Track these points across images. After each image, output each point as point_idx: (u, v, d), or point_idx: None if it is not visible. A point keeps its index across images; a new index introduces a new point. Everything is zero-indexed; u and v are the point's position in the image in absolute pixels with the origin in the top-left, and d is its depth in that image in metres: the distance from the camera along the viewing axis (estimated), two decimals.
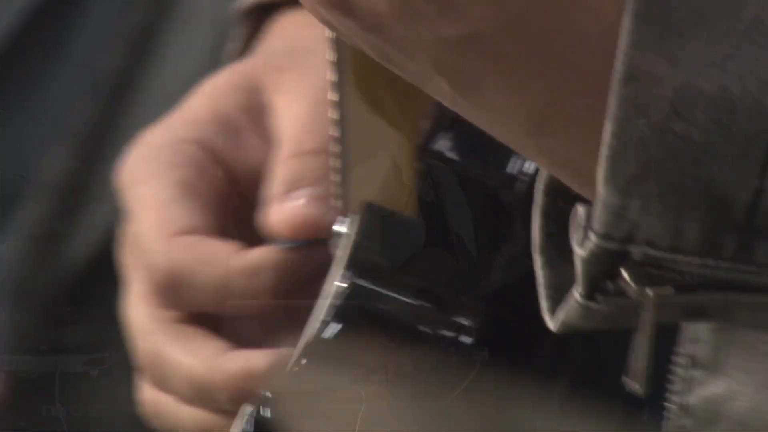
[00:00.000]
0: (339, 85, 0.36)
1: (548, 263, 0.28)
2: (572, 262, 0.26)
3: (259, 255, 0.43)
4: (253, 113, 0.45)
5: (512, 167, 0.37)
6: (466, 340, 0.38)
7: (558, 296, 0.28)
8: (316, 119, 0.43)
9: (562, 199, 0.28)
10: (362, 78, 0.35)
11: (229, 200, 0.45)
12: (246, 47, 0.50)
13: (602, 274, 0.26)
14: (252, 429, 0.40)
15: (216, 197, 0.44)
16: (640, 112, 0.24)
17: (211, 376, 0.42)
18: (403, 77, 0.28)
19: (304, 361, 0.38)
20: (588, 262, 0.25)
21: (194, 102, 0.46)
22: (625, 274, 0.25)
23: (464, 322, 0.38)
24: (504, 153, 0.36)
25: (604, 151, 0.24)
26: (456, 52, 0.25)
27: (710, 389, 0.34)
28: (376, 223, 0.38)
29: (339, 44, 0.34)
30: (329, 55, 0.35)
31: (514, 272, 0.37)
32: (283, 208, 0.42)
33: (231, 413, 0.41)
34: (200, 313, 0.44)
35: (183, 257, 0.42)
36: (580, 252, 0.25)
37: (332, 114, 0.37)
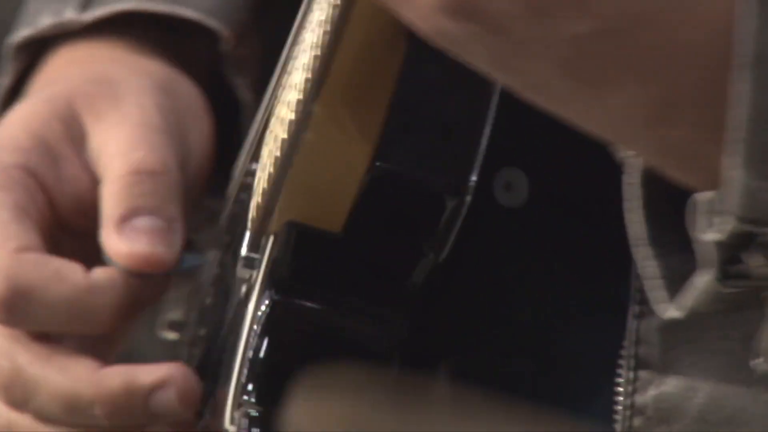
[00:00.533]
0: (305, 102, 0.37)
1: (662, 254, 0.29)
2: (677, 252, 0.28)
3: (105, 274, 0.43)
4: (72, 141, 0.46)
5: (457, 177, 0.38)
6: (386, 344, 0.40)
7: (673, 285, 0.28)
8: (146, 139, 0.44)
9: (661, 192, 0.29)
10: (330, 92, 0.37)
11: (53, 226, 0.45)
12: (19, 82, 0.51)
13: (734, 257, 0.26)
14: None
15: (44, 221, 0.44)
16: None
17: (89, 393, 0.41)
18: (511, 84, 0.28)
19: (250, 387, 0.39)
20: (724, 245, 0.26)
21: (13, 128, 0.46)
22: (754, 256, 0.26)
23: (385, 328, 0.40)
24: (450, 163, 0.38)
25: (738, 135, 0.24)
26: (588, 48, 0.25)
27: (662, 388, 0.36)
28: (295, 241, 0.40)
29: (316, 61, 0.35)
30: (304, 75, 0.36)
31: (442, 279, 0.40)
32: (121, 242, 0.42)
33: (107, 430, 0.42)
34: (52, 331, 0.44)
35: (29, 273, 0.42)
36: (712, 237, 0.26)
37: (282, 133, 0.38)
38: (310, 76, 0.36)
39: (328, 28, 0.34)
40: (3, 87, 0.52)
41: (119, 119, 0.45)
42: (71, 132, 0.46)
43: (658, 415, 0.36)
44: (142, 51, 0.50)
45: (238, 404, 0.38)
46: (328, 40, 0.34)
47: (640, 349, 0.36)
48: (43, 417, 0.43)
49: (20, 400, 0.43)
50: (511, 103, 0.32)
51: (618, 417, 0.36)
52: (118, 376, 0.41)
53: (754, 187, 0.25)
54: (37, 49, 0.51)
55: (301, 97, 0.36)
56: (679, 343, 0.36)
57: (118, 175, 0.44)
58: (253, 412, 0.38)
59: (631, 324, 0.36)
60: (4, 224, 0.43)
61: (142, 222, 0.42)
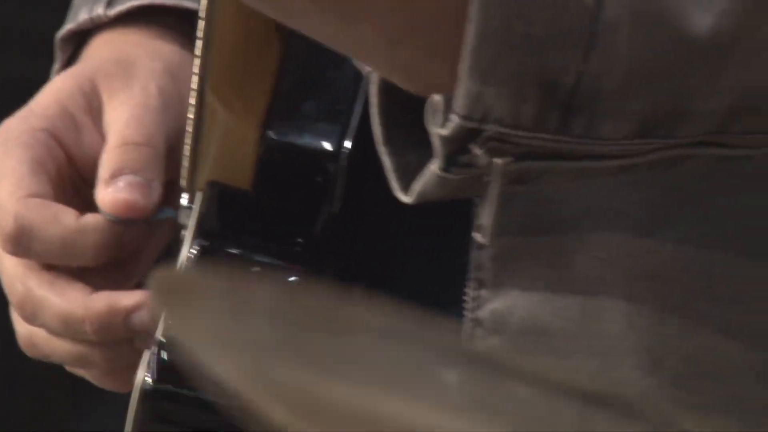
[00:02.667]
0: (199, 89, 0.47)
1: (394, 151, 0.35)
2: (413, 149, 0.34)
3: (92, 219, 0.52)
4: (91, 112, 0.56)
5: (336, 144, 0.48)
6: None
7: (405, 177, 0.34)
8: (140, 119, 0.54)
9: (395, 98, 0.35)
10: (215, 81, 0.47)
11: (69, 179, 0.55)
12: (65, 68, 0.61)
13: (458, 149, 0.32)
14: (155, 374, 0.49)
15: (59, 175, 0.54)
16: (493, 15, 0.30)
17: (80, 312, 0.51)
18: (280, 16, 0.36)
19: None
20: (449, 139, 0.31)
21: (45, 98, 0.56)
22: (477, 149, 0.31)
23: (297, 264, 0.49)
24: (326, 134, 0.48)
25: (466, 48, 0.30)
26: None
27: (494, 305, 0.43)
28: (217, 197, 0.51)
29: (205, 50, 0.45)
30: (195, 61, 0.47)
31: (335, 226, 0.49)
32: (107, 192, 0.52)
33: (97, 344, 0.52)
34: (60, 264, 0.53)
35: (32, 214, 0.52)
36: (441, 132, 0.32)
37: (190, 111, 0.49)
38: (197, 70, 0.46)
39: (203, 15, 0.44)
40: (54, 72, 0.62)
41: (126, 98, 0.55)
42: (91, 104, 0.56)
43: (492, 327, 0.43)
44: (160, 36, 0.58)
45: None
46: (204, 27, 0.44)
47: (480, 273, 0.42)
48: (49, 331, 0.53)
49: (31, 317, 0.53)
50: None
51: (464, 328, 0.43)
52: (103, 299, 0.51)
53: (475, 91, 0.30)
54: (79, 40, 0.61)
55: (194, 86, 0.47)
56: (506, 270, 0.42)
57: (111, 147, 0.54)
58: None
59: (474, 253, 0.42)
60: (21, 175, 0.53)
61: (125, 179, 0.52)
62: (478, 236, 0.35)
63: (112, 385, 0.55)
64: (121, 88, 0.55)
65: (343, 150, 0.48)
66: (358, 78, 0.46)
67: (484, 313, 0.43)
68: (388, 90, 0.35)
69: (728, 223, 0.40)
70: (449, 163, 0.32)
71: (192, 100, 0.48)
